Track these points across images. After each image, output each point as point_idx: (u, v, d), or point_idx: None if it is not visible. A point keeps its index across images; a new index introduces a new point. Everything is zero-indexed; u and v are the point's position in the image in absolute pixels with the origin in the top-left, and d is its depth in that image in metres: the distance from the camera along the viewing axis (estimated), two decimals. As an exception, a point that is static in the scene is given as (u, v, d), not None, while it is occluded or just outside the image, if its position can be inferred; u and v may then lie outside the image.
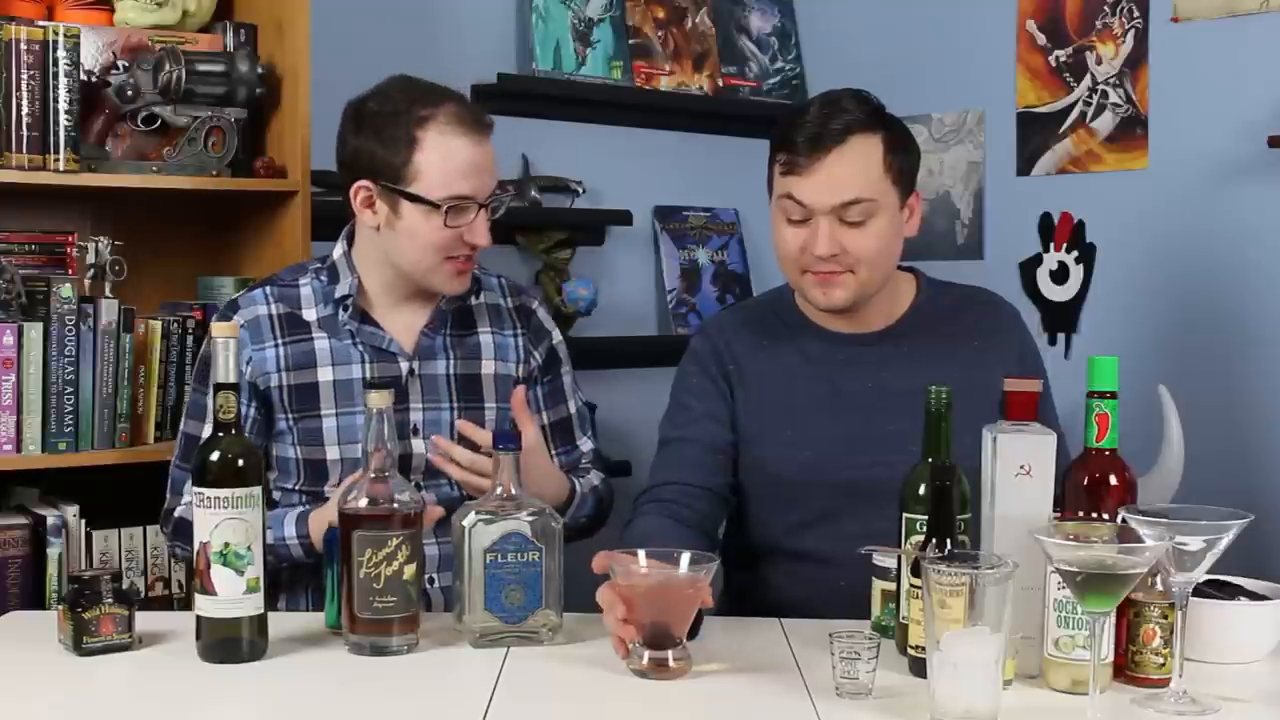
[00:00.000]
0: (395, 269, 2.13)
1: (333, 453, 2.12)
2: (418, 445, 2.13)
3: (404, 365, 2.14)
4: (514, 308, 2.26)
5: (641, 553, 1.69)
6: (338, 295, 2.13)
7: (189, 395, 2.22)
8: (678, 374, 2.20)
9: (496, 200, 2.12)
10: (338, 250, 2.17)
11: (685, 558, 1.68)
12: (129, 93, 2.48)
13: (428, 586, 2.08)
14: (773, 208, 2.08)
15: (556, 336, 2.30)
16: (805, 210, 2.01)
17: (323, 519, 1.99)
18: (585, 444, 2.30)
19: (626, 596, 1.64)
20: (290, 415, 2.12)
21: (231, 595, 1.67)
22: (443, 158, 2.04)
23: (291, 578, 2.14)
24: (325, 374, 2.12)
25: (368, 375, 2.12)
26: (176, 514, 2.14)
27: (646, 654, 1.64)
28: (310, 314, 2.14)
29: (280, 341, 2.12)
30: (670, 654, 1.64)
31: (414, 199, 2.05)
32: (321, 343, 2.13)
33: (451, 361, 2.17)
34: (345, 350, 2.13)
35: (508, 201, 2.18)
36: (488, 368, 2.19)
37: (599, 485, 2.24)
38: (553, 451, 2.25)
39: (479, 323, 2.21)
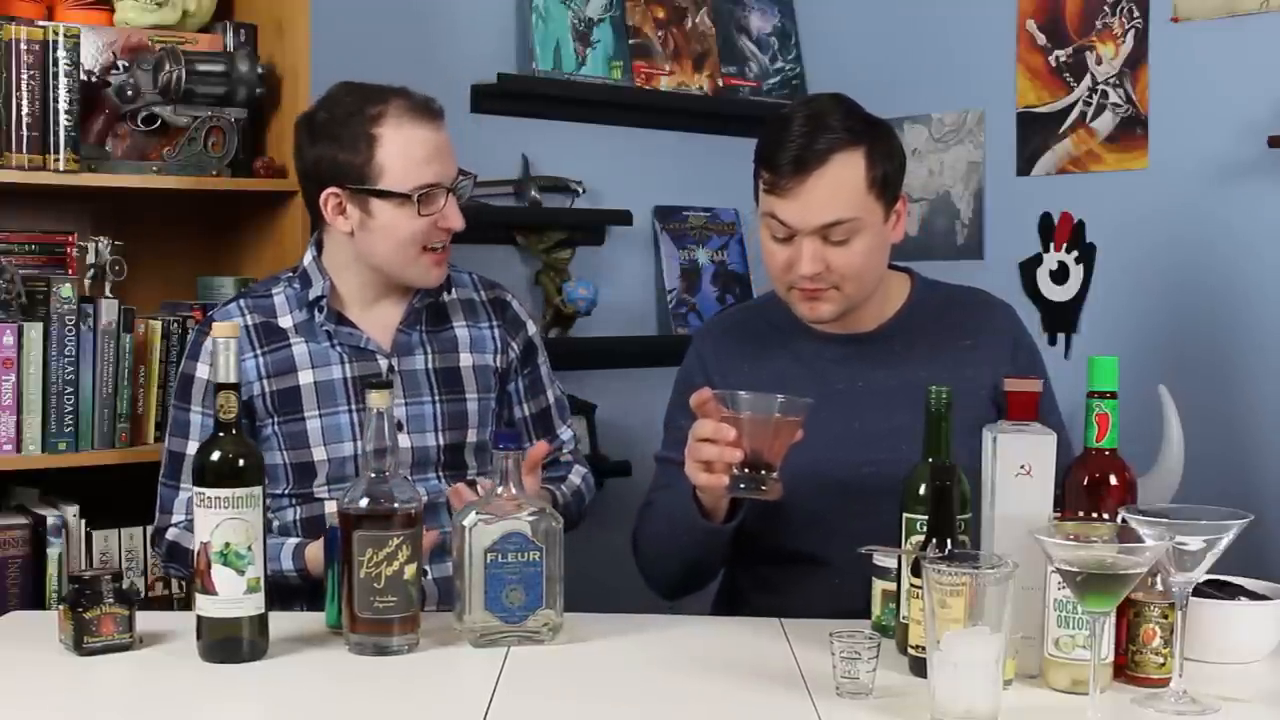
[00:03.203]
0: (371, 269, 2.15)
1: (319, 453, 2.13)
2: (403, 440, 2.14)
3: (383, 362, 2.15)
4: (488, 300, 2.28)
5: (743, 392, 1.83)
6: (311, 298, 2.15)
7: (171, 413, 2.21)
8: (673, 388, 2.23)
9: (460, 184, 2.15)
10: (307, 257, 2.19)
11: (781, 398, 1.82)
12: (129, 93, 2.48)
13: (421, 578, 2.08)
14: (758, 220, 2.09)
15: (532, 328, 2.32)
16: (789, 230, 2.01)
17: (318, 552, 2.00)
18: (565, 433, 2.33)
19: (734, 425, 1.80)
20: (275, 420, 2.13)
21: (232, 595, 1.67)
22: (404, 149, 2.08)
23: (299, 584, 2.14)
24: (306, 377, 2.13)
25: (348, 375, 2.13)
26: (169, 537, 2.15)
27: (748, 470, 1.81)
28: (286, 321, 2.16)
29: (259, 351, 2.14)
30: (764, 475, 1.81)
31: (384, 195, 2.07)
32: (300, 348, 2.15)
33: (429, 356, 2.19)
34: (324, 352, 2.14)
35: (469, 184, 2.19)
36: (465, 360, 2.21)
37: (580, 485, 2.26)
38: (535, 442, 2.25)
39: (453, 317, 2.23)
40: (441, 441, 2.16)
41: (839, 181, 1.99)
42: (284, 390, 2.13)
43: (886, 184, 2.03)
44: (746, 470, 1.82)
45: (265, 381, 2.13)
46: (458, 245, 2.21)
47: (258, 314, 2.16)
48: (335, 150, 2.09)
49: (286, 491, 2.14)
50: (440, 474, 2.16)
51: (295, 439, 2.13)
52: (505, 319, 2.27)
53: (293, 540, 2.08)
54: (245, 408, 2.11)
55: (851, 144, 1.99)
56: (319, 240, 2.20)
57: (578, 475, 2.27)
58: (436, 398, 2.17)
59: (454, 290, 2.25)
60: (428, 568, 2.09)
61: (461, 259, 2.30)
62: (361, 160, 2.07)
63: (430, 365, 2.19)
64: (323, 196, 2.11)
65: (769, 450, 1.82)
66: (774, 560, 2.12)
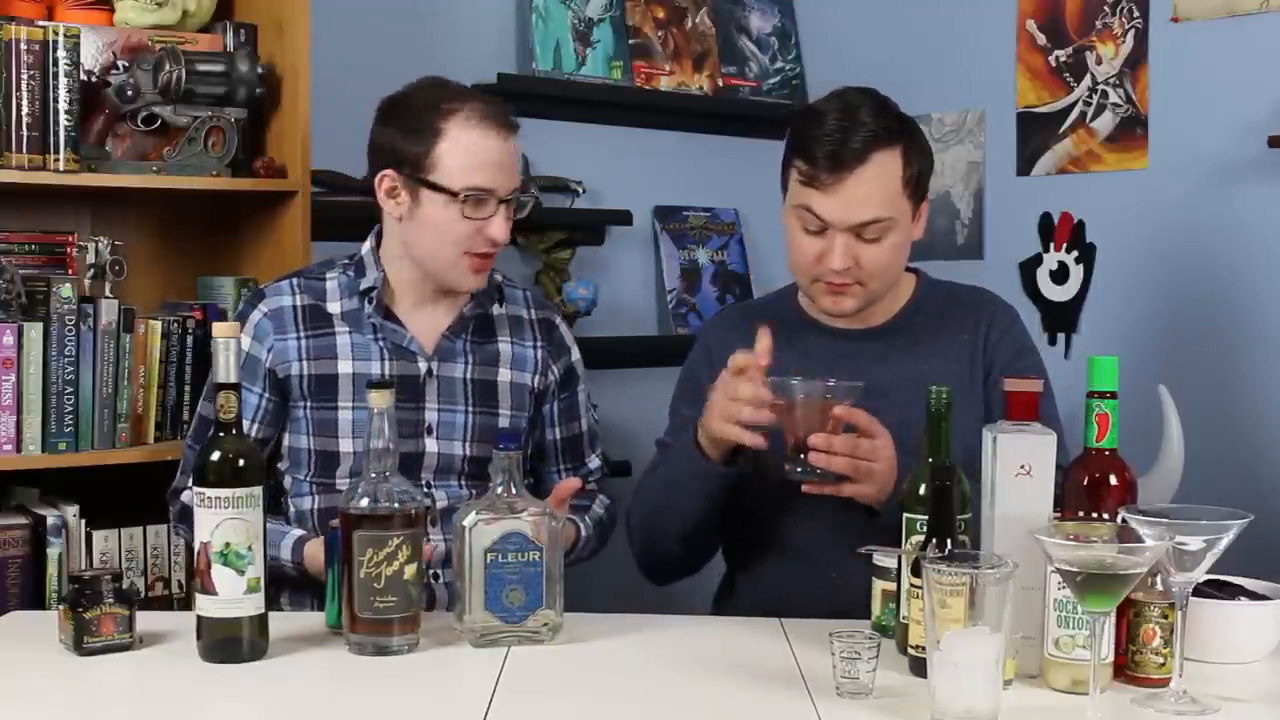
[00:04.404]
0: (418, 265, 2.15)
1: (345, 445, 2.13)
2: (431, 444, 2.14)
3: (422, 365, 2.15)
4: (537, 320, 2.27)
5: (795, 379, 1.88)
6: (363, 287, 2.15)
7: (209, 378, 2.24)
8: (678, 381, 2.25)
9: (517, 199, 2.14)
10: (366, 246, 2.20)
11: (831, 381, 1.87)
12: (129, 93, 2.48)
13: (432, 581, 2.09)
14: (787, 211, 2.09)
15: (575, 354, 2.31)
16: (822, 224, 2.02)
17: (318, 550, 2.01)
18: (594, 461, 2.32)
19: (787, 411, 1.87)
20: (308, 404, 2.13)
21: (232, 595, 1.67)
22: (463, 149, 2.07)
23: (297, 578, 2.15)
24: (345, 366, 2.14)
25: (386, 372, 2.13)
26: (183, 499, 2.17)
27: (804, 457, 1.86)
28: (334, 307, 2.16)
29: (302, 334, 2.14)
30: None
31: (434, 188, 2.08)
32: (343, 337, 2.15)
33: (470, 366, 2.18)
34: (366, 345, 2.14)
35: (530, 204, 2.21)
36: (504, 375, 2.21)
37: (603, 514, 2.25)
38: (561, 467, 2.28)
39: (499, 331, 2.23)
40: (469, 452, 2.16)
41: (878, 180, 2.00)
42: (322, 376, 2.13)
43: (919, 183, 2.07)
44: (801, 455, 1.86)
45: (305, 364, 2.13)
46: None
47: (308, 295, 2.17)
48: (401, 135, 2.10)
49: (309, 478, 2.15)
50: (462, 481, 2.16)
51: (325, 426, 2.13)
52: (551, 341, 2.27)
53: (296, 532, 2.09)
54: (280, 386, 2.14)
55: (890, 142, 2.01)
56: (379, 231, 2.20)
57: (601, 506, 2.27)
58: (470, 408, 2.17)
59: (505, 305, 2.25)
60: (439, 571, 2.09)
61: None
62: (422, 150, 2.08)
63: (469, 375, 2.18)
64: (379, 177, 2.13)
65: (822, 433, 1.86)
66: (772, 555, 2.13)
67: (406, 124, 2.10)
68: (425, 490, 2.12)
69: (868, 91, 2.08)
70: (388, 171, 2.12)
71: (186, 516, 2.15)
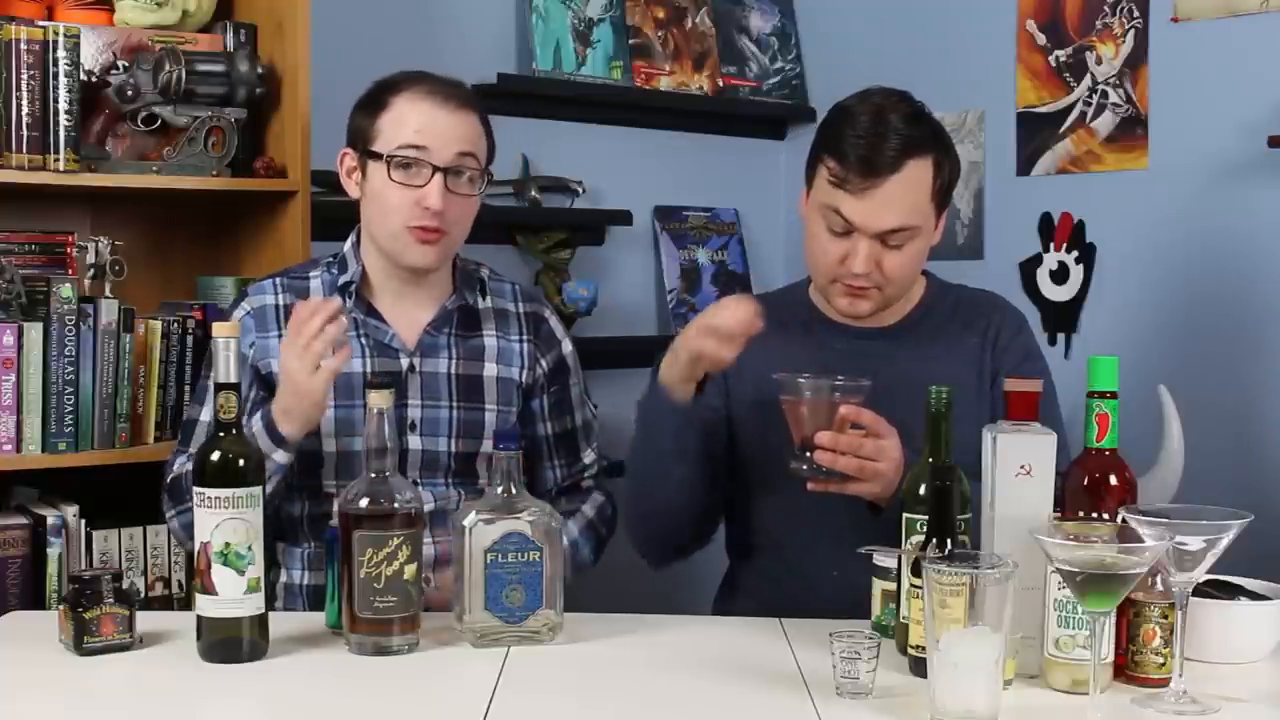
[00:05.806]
0: (380, 250, 2.14)
1: (329, 444, 2.11)
2: (414, 441, 2.13)
3: (404, 361, 2.14)
4: (524, 313, 2.25)
5: (802, 377, 1.89)
6: (341, 282, 2.15)
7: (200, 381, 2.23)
8: None
9: (464, 168, 2.10)
10: (348, 243, 2.20)
11: (840, 379, 1.87)
12: (129, 93, 2.48)
13: (424, 585, 2.08)
14: (810, 207, 2.08)
15: (568, 347, 2.29)
16: (849, 226, 2.01)
17: (279, 407, 1.97)
18: (589, 456, 2.31)
19: (794, 409, 1.88)
20: None
21: (232, 595, 1.67)
22: (400, 114, 2.09)
23: (289, 577, 2.15)
24: (326, 364, 2.11)
25: (368, 369, 2.12)
26: (168, 479, 2.15)
27: (813, 455, 1.86)
28: None
29: (285, 332, 2.12)
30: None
31: (374, 156, 2.09)
32: None
33: (453, 361, 2.17)
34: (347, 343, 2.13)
35: (485, 177, 2.15)
36: (489, 370, 2.20)
37: (593, 516, 2.23)
38: (556, 462, 2.26)
39: (484, 325, 2.21)
40: (454, 449, 2.15)
41: (910, 188, 2.00)
42: None
43: (946, 192, 2.06)
44: (807, 453, 1.86)
45: None
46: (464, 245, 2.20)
47: (290, 294, 2.16)
48: (358, 115, 2.14)
49: (295, 480, 2.14)
50: (449, 481, 2.15)
51: None
52: (538, 335, 2.25)
53: (257, 415, 2.02)
54: (265, 380, 2.13)
55: (923, 151, 2.01)
56: (360, 228, 2.20)
57: (592, 507, 2.24)
58: (454, 404, 2.16)
59: (489, 298, 2.23)
60: (430, 575, 2.09)
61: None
62: (368, 123, 2.10)
63: (453, 370, 2.17)
64: (340, 156, 2.16)
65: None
66: (775, 551, 2.13)
67: (364, 104, 2.14)
68: None
69: (902, 95, 2.07)
70: (346, 150, 2.15)
71: (175, 493, 2.11)
